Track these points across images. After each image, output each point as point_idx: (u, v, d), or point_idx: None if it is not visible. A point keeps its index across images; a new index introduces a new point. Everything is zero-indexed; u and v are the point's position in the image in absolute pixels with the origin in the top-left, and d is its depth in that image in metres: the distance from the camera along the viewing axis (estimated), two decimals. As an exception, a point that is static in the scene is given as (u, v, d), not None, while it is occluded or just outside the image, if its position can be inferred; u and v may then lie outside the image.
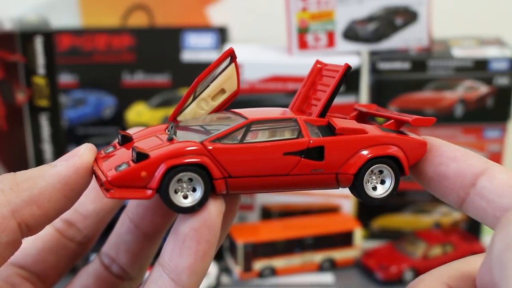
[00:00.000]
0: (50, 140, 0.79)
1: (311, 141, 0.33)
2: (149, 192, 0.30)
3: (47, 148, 0.79)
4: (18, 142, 0.78)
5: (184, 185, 0.31)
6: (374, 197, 0.34)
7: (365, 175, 0.34)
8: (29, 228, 0.30)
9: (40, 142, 0.79)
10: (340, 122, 0.34)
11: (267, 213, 0.90)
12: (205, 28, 0.98)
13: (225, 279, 0.84)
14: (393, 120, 0.36)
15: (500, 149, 0.85)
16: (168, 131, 0.34)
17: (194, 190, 0.31)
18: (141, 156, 0.30)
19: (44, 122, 0.78)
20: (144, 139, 0.34)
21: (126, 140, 0.34)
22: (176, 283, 0.30)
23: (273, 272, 0.83)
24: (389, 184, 0.35)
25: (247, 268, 0.82)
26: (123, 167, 0.30)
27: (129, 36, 0.97)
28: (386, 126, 0.36)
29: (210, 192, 0.31)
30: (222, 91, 0.36)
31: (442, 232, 0.89)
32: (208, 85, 0.36)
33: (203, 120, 0.36)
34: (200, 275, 0.31)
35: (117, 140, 0.35)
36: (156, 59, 0.97)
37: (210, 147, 0.31)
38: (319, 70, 0.37)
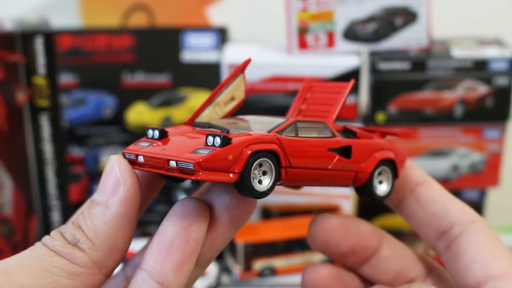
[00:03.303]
0: (50, 140, 0.79)
1: (342, 140, 0.37)
2: (232, 175, 0.31)
3: (47, 148, 0.79)
4: (18, 142, 0.78)
5: (256, 172, 0.32)
6: (380, 195, 0.39)
7: (375, 175, 0.38)
8: (113, 270, 0.32)
9: (40, 142, 0.79)
10: (356, 128, 0.38)
11: (267, 213, 0.90)
12: (205, 28, 0.98)
13: (225, 279, 0.84)
14: (378, 132, 0.41)
15: (499, 149, 0.86)
16: (203, 128, 0.36)
17: (262, 179, 0.33)
18: (226, 140, 0.31)
19: (45, 122, 0.78)
20: (180, 133, 0.35)
21: (164, 135, 0.34)
22: (162, 285, 0.30)
23: (273, 272, 0.83)
24: (387, 184, 0.40)
25: (247, 268, 0.82)
26: (205, 151, 0.30)
27: (129, 36, 0.97)
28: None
29: (277, 180, 0.33)
30: (232, 98, 0.39)
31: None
32: (222, 92, 0.38)
33: (222, 123, 0.37)
34: (185, 276, 0.31)
35: (145, 137, 0.35)
36: (156, 59, 0.97)
37: (280, 137, 0.33)
38: (310, 87, 0.42)
